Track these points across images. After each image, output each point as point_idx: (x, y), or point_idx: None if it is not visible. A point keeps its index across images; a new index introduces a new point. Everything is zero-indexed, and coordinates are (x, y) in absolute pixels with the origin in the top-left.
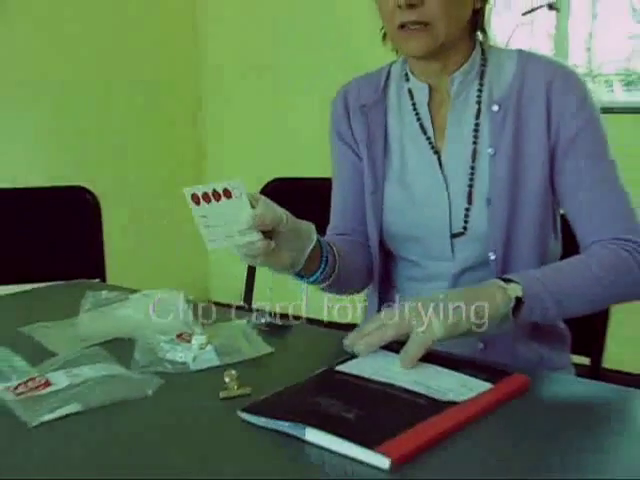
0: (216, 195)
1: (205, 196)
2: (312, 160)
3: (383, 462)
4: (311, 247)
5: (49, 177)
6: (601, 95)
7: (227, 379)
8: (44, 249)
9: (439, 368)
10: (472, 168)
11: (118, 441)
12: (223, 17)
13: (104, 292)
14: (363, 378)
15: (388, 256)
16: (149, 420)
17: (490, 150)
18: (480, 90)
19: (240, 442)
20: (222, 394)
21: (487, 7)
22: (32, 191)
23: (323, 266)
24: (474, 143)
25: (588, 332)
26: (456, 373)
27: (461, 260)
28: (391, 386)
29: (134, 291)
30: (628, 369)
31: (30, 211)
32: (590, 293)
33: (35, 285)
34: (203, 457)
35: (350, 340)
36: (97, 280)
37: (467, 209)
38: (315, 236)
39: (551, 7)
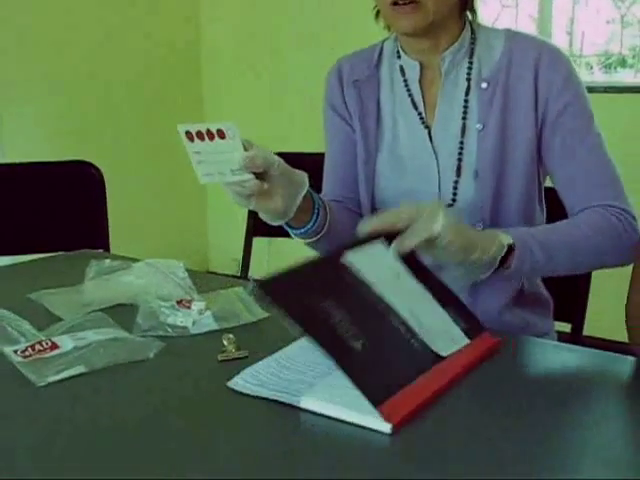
0: (210, 135)
1: (199, 134)
2: (308, 138)
3: (385, 427)
4: (303, 193)
5: (55, 153)
6: (582, 76)
7: (225, 342)
8: (51, 221)
9: (431, 299)
10: (461, 143)
11: (120, 402)
12: (224, 9)
13: (107, 261)
14: (366, 284)
15: None
16: (150, 382)
17: (478, 125)
18: (470, 68)
19: (237, 404)
20: (220, 357)
21: None
22: (40, 166)
23: (315, 218)
24: (463, 119)
25: (570, 298)
26: (443, 311)
27: None
28: (390, 311)
29: (136, 260)
30: (607, 336)
31: (38, 185)
32: (579, 249)
33: (42, 255)
34: (201, 419)
35: (363, 223)
36: (101, 250)
37: (456, 182)
38: (307, 183)
39: None
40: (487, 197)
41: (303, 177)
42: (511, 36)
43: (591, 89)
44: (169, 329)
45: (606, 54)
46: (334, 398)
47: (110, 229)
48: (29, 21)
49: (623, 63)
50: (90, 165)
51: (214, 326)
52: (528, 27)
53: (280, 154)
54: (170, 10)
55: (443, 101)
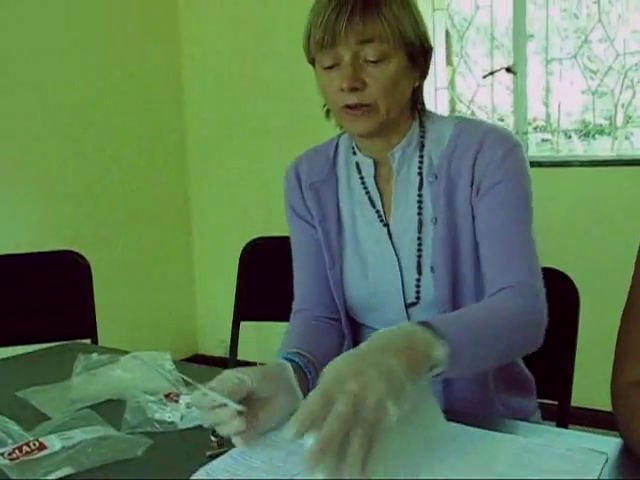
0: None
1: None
2: None
3: None
4: (294, 380)
5: (40, 242)
6: (561, 147)
7: (212, 437)
8: (38, 311)
9: None
10: (419, 239)
11: None
12: (207, 84)
13: (95, 355)
14: None
15: (356, 325)
16: None
17: (433, 219)
18: (421, 162)
19: None
20: (208, 452)
21: (450, 69)
22: (27, 257)
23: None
24: (419, 214)
25: (554, 378)
26: None
27: None
28: None
29: (124, 352)
30: (598, 406)
31: (25, 275)
32: (495, 331)
33: (29, 347)
34: None
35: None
36: (89, 340)
37: (418, 279)
38: (290, 368)
39: (509, 70)
40: (445, 291)
41: (282, 365)
42: (460, 123)
43: (568, 163)
44: (157, 425)
45: (583, 123)
46: None
47: (98, 316)
48: (10, 109)
49: (601, 131)
50: (77, 255)
51: (202, 421)
52: (505, 100)
53: (264, 238)
54: (156, 79)
55: (398, 198)
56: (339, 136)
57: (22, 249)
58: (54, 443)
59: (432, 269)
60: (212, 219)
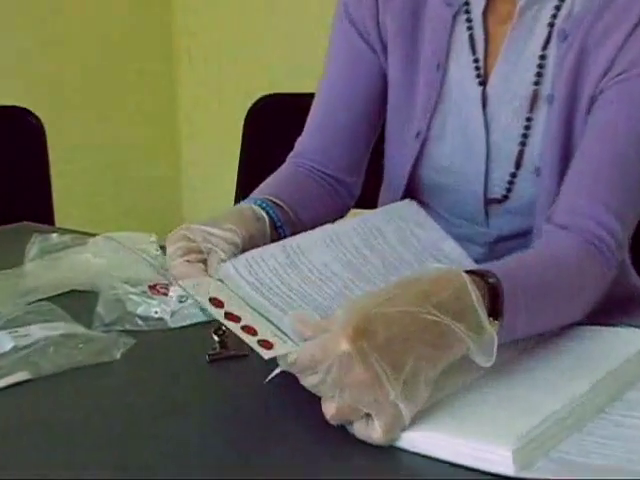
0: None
1: None
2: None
3: None
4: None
5: None
6: None
7: (216, 337)
8: None
9: None
10: (528, 120)
11: (79, 418)
12: None
13: (54, 235)
14: None
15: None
16: (117, 389)
17: (549, 97)
18: (558, 8)
19: (235, 415)
20: (210, 352)
21: None
22: None
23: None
24: (536, 84)
25: None
26: None
27: (496, 228)
28: None
29: (92, 235)
30: None
31: None
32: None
33: None
34: (184, 435)
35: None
36: (46, 226)
37: (513, 174)
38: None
39: None
40: (549, 200)
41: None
42: None
43: None
44: (140, 322)
45: None
46: None
47: (54, 196)
48: None
49: None
50: (27, 112)
51: (200, 317)
52: None
53: (275, 95)
54: None
55: (511, 49)
56: None
57: None
58: (4, 342)
59: (537, 170)
60: (209, 75)
